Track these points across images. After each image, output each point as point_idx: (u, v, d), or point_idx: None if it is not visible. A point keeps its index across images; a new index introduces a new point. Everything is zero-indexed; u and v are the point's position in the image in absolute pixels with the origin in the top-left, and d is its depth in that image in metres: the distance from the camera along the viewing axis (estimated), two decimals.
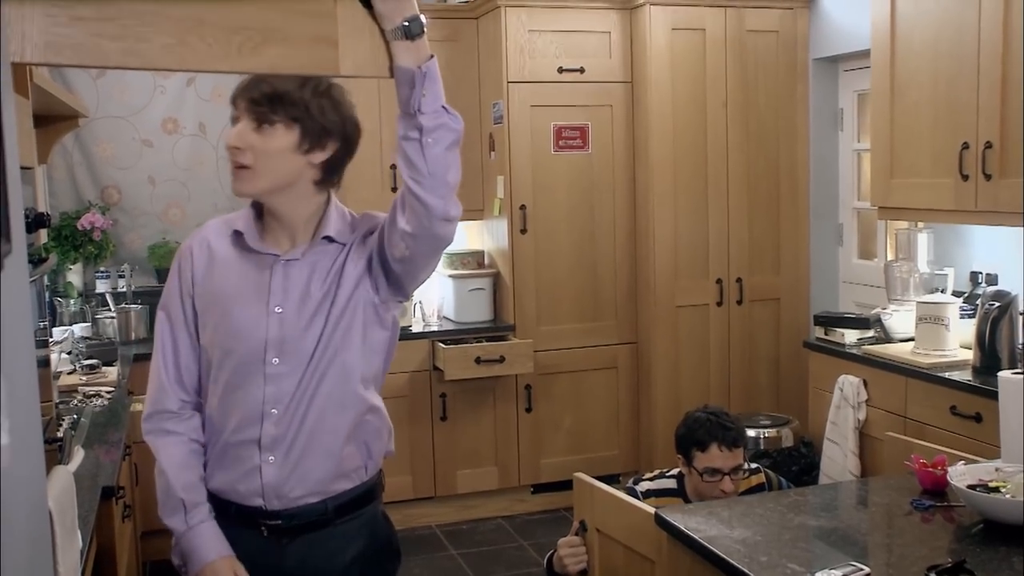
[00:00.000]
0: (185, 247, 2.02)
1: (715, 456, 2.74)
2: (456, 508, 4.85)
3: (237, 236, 1.97)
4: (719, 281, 4.87)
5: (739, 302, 4.91)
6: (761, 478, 2.89)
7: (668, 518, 2.11)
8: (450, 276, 4.93)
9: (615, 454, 5.00)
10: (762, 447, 4.38)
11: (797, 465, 4.31)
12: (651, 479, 2.90)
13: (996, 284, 3.81)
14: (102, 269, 4.84)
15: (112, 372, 3.86)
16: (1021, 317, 3.48)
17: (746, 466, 2.84)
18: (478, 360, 4.62)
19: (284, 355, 1.90)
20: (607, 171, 4.87)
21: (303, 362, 1.90)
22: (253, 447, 1.92)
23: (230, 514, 1.97)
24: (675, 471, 2.88)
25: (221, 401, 1.95)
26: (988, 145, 3.43)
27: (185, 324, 1.98)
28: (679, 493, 2.82)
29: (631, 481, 2.92)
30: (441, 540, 4.62)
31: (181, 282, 1.99)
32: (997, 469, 2.13)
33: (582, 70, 4.76)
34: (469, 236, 5.23)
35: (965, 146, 3.52)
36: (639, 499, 2.55)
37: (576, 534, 2.54)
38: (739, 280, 4.89)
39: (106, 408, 3.33)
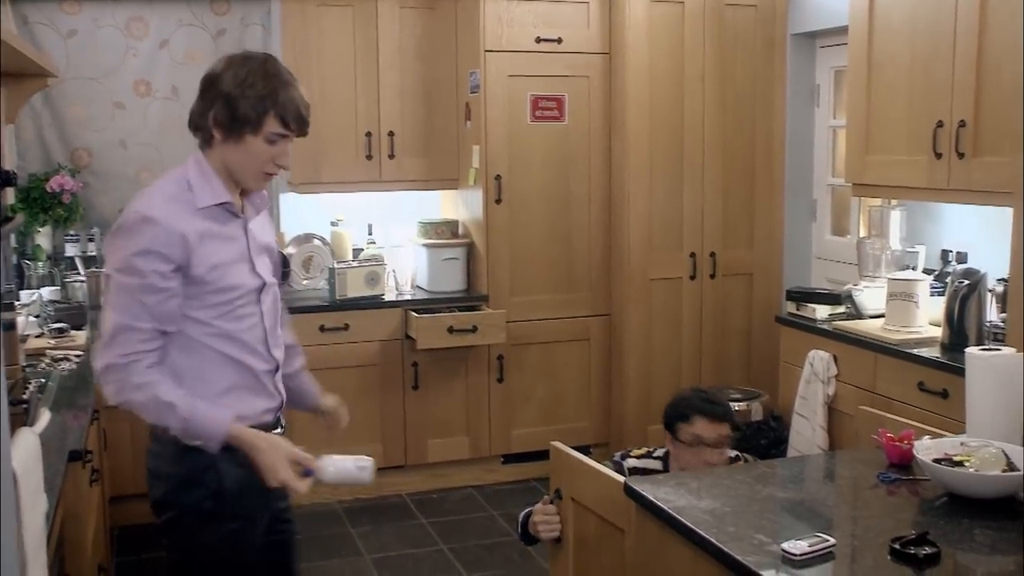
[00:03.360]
0: (162, 234, 2.04)
1: (699, 426, 2.73)
2: (426, 477, 4.86)
3: (215, 208, 2.15)
4: (693, 255, 4.88)
5: (712, 276, 4.92)
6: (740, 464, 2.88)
7: (637, 488, 2.12)
8: (424, 245, 4.91)
9: (586, 425, 5.02)
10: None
11: (766, 439, 4.35)
12: (638, 457, 2.87)
13: (966, 262, 3.85)
14: (72, 232, 4.78)
15: (81, 336, 3.83)
16: (989, 295, 3.52)
17: (729, 453, 2.82)
18: (451, 330, 4.61)
19: (265, 297, 2.24)
20: (583, 142, 4.85)
21: (277, 299, 2.31)
22: (274, 376, 2.27)
23: None
24: (662, 450, 2.87)
25: (237, 341, 2.19)
26: (962, 124, 3.45)
27: (169, 279, 2.09)
28: (664, 472, 2.82)
29: (618, 455, 2.90)
30: (411, 508, 4.63)
31: (167, 263, 2.07)
32: (962, 444, 2.16)
33: (560, 40, 4.73)
34: (444, 205, 5.20)
35: (939, 124, 3.54)
36: (625, 475, 2.54)
37: (551, 502, 2.55)
38: (712, 254, 4.91)
39: (74, 372, 3.30)
